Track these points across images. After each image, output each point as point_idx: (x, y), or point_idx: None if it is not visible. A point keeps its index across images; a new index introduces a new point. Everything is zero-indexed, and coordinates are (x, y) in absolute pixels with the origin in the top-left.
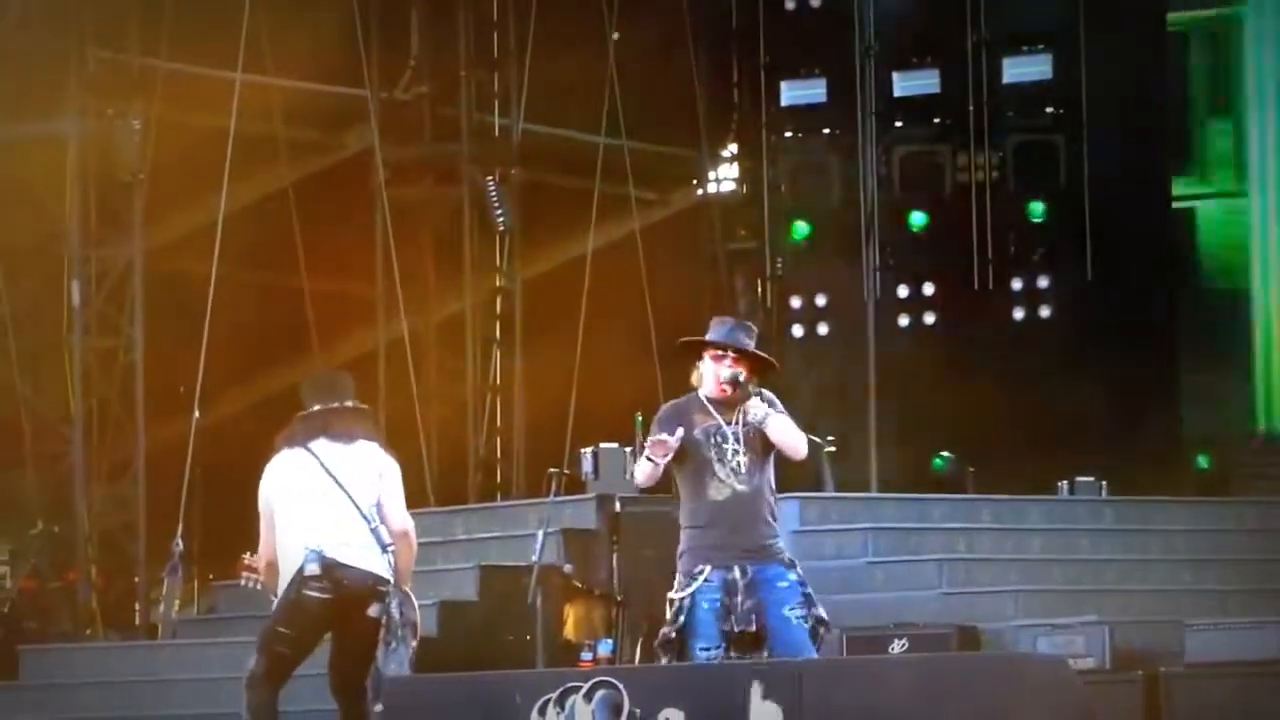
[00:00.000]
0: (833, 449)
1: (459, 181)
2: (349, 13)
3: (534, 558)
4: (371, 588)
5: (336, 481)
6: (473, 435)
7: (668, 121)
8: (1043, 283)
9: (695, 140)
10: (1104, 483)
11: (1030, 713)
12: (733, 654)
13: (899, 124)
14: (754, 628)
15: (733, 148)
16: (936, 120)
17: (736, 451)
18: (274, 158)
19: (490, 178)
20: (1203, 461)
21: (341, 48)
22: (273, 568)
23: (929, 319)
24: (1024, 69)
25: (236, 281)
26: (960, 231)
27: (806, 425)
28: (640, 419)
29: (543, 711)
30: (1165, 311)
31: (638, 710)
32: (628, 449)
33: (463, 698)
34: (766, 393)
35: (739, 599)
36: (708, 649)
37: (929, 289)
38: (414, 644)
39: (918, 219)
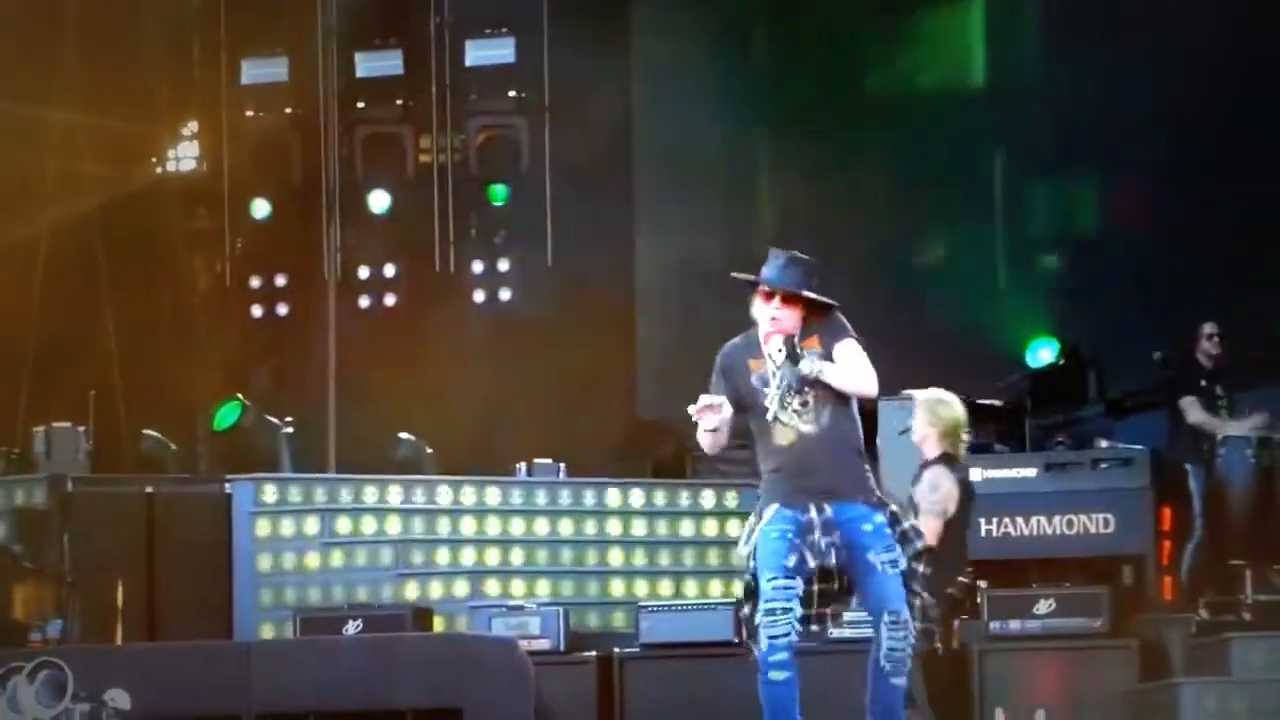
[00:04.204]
0: (290, 430)
1: None
2: None
3: None
4: None
5: None
6: None
7: (126, 97)
8: (503, 266)
9: (155, 116)
10: (562, 464)
11: (481, 693)
12: (814, 597)
13: (361, 104)
14: (833, 563)
15: (194, 125)
16: (399, 102)
17: (795, 394)
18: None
19: None
20: None
21: None
22: None
23: (390, 300)
24: (486, 52)
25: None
26: (423, 214)
27: (264, 406)
28: (93, 394)
29: None
30: (627, 294)
31: (82, 691)
32: (81, 428)
33: None
34: (838, 321)
35: (815, 536)
36: (774, 578)
37: (390, 270)
38: None
39: (380, 201)
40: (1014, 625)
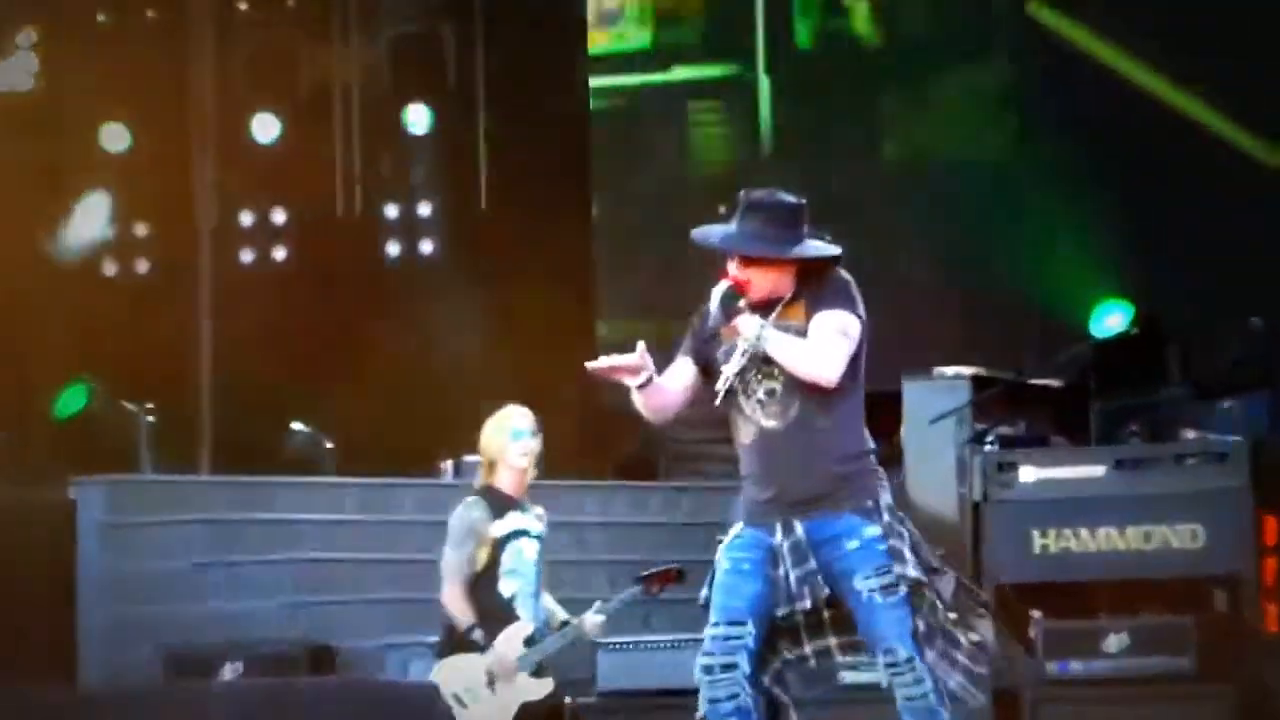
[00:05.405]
0: (151, 418)
1: None
2: None
3: None
4: None
5: None
6: None
7: None
8: (424, 210)
9: None
10: None
11: None
12: (783, 642)
13: (243, 6)
14: (810, 604)
15: (30, 33)
16: (290, 4)
17: (764, 377)
18: None
19: None
20: None
21: None
22: None
23: (279, 254)
24: None
25: None
26: (320, 145)
27: (119, 391)
28: None
29: None
30: (583, 246)
31: None
32: None
33: None
34: (837, 287)
35: (783, 570)
36: (715, 624)
37: (279, 216)
38: None
39: (267, 130)
40: (1077, 666)
